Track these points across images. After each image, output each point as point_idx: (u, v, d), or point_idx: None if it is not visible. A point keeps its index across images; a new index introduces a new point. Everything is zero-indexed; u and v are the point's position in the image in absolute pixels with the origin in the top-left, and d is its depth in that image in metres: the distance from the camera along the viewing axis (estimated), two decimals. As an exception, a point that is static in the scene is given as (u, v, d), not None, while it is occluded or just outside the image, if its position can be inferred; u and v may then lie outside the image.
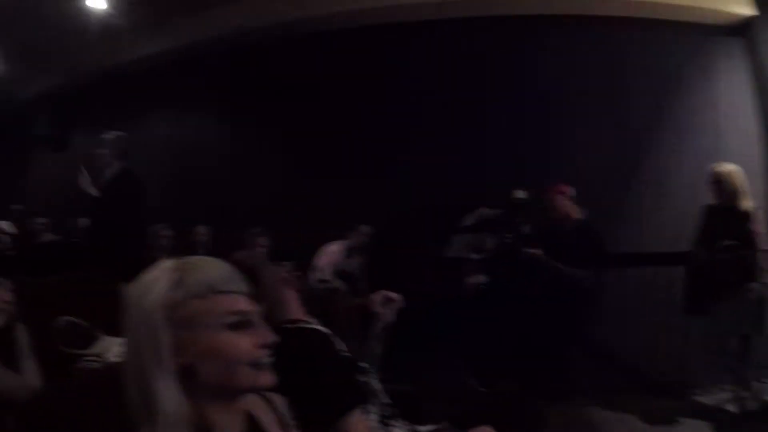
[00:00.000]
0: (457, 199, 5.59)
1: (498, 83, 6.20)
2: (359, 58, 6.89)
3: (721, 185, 4.31)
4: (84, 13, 7.79)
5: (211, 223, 6.44)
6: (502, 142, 6.02)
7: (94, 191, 4.57)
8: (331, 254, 5.88)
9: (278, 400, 1.33)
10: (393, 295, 2.42)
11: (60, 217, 7.27)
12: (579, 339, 4.80)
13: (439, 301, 4.85)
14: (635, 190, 5.85)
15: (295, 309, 1.99)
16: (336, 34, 7.05)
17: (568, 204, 4.62)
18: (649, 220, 5.77)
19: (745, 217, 4.20)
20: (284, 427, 1.33)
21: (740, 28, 5.98)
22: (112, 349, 2.20)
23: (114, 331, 2.28)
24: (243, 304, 1.14)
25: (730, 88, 6.11)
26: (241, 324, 1.12)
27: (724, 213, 4.29)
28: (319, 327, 1.92)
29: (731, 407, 4.33)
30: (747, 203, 4.24)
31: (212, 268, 1.15)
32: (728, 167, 4.35)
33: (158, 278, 1.11)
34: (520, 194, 4.44)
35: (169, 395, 1.05)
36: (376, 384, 2.09)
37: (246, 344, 1.11)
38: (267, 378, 1.14)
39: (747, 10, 5.83)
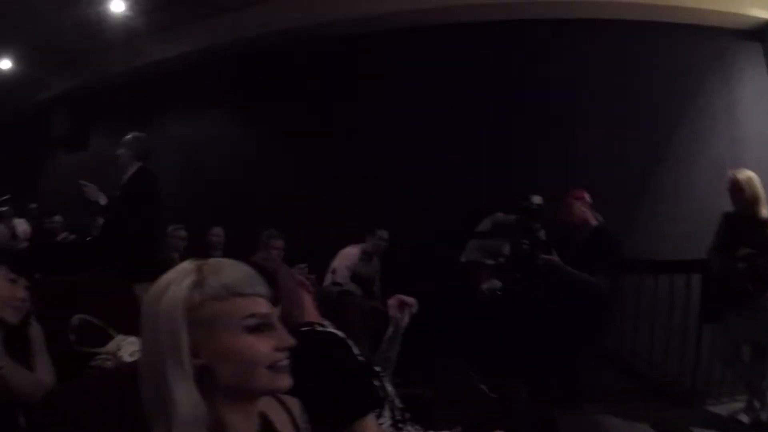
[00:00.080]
0: (472, 204, 5.58)
1: (515, 87, 6.18)
2: (376, 60, 6.89)
3: (740, 192, 4.25)
4: (103, 16, 7.86)
5: (226, 224, 6.46)
6: (519, 147, 6.00)
7: (103, 199, 4.59)
8: (347, 257, 5.87)
9: (293, 402, 1.33)
10: (409, 299, 2.41)
11: (76, 217, 7.31)
12: (592, 345, 4.76)
13: (453, 306, 4.83)
14: (653, 196, 5.81)
15: (310, 312, 1.99)
16: (352, 38, 7.06)
17: (584, 210, 4.58)
18: (666, 226, 5.73)
19: (764, 225, 4.15)
20: (298, 430, 1.32)
21: (759, 33, 5.92)
22: (126, 347, 2.20)
23: (127, 329, 2.28)
24: (262, 306, 1.14)
25: (749, 93, 6.06)
26: (260, 326, 1.12)
27: (743, 221, 4.24)
28: (334, 330, 1.91)
29: (744, 417, 4.27)
30: (766, 211, 4.19)
31: (233, 270, 1.15)
32: (747, 174, 4.29)
33: (178, 279, 1.11)
34: (537, 199, 4.40)
35: (187, 396, 1.04)
36: (389, 388, 2.08)
37: (265, 347, 1.11)
38: (284, 381, 1.14)
39: (766, 14, 5.76)
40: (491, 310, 4.93)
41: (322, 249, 5.84)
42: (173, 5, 7.74)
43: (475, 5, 6.24)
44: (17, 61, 9.82)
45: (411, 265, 5.70)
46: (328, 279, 5.67)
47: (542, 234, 4.39)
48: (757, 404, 4.23)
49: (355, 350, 1.88)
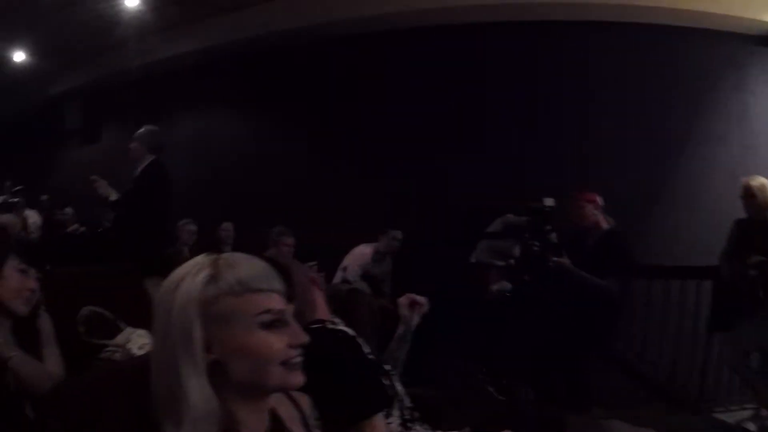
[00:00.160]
0: (483, 205, 5.56)
1: (529, 89, 6.17)
2: (389, 59, 6.89)
3: (752, 199, 4.23)
4: (117, 11, 7.89)
5: (236, 220, 6.47)
6: (532, 149, 5.99)
7: (114, 195, 4.60)
8: (360, 256, 5.87)
9: (303, 399, 1.32)
10: (420, 298, 2.40)
11: (87, 209, 7.35)
12: (601, 349, 4.74)
13: (461, 307, 4.82)
14: (665, 201, 5.79)
15: (321, 309, 1.98)
16: (365, 36, 7.05)
17: (596, 213, 4.55)
18: (678, 232, 5.71)
19: (776, 231, 4.12)
20: (307, 427, 1.31)
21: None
22: (135, 340, 2.20)
23: (136, 322, 2.28)
24: (277, 302, 1.12)
25: (762, 98, 6.02)
26: (274, 323, 1.11)
27: (755, 227, 4.21)
28: (345, 328, 1.90)
29: (751, 426, 4.26)
30: (779, 217, 4.16)
31: (248, 265, 1.13)
32: (760, 180, 4.26)
33: (193, 273, 1.10)
34: (549, 201, 4.37)
35: (199, 391, 1.04)
36: (399, 387, 2.07)
37: (279, 343, 1.10)
38: (297, 378, 1.13)
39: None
40: (500, 312, 4.91)
41: (331, 247, 5.84)
42: (186, 2, 7.76)
43: (488, 6, 6.22)
44: (31, 54, 9.89)
45: (420, 265, 5.69)
46: (338, 276, 5.66)
47: (553, 236, 4.36)
48: (764, 412, 4.21)
49: (366, 348, 1.87)
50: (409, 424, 1.97)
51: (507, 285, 4.96)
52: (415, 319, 2.40)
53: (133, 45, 8.75)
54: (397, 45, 6.87)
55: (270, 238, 5.55)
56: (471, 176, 6.17)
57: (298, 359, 1.13)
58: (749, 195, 4.25)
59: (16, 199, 7.78)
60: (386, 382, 1.97)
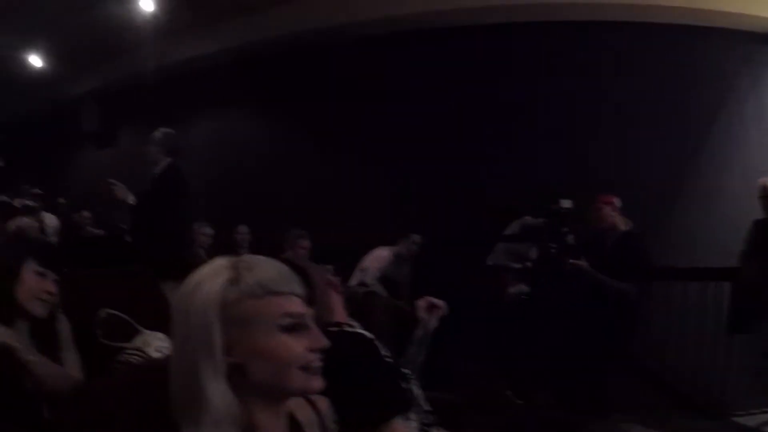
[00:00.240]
0: (500, 207, 5.54)
1: (545, 90, 6.14)
2: (403, 61, 6.89)
3: (772, 200, 4.20)
4: (133, 15, 7.94)
5: (251, 223, 6.48)
6: (548, 150, 5.96)
7: (131, 199, 4.61)
8: (379, 259, 5.85)
9: (321, 402, 1.31)
10: (438, 301, 2.38)
11: (104, 212, 7.39)
12: (619, 353, 4.70)
13: (479, 310, 4.80)
14: (682, 202, 5.74)
15: (338, 312, 1.98)
16: (381, 37, 7.06)
17: (614, 215, 4.52)
18: (697, 233, 5.66)
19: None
20: (325, 431, 1.30)
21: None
22: (152, 343, 2.20)
23: (153, 326, 2.29)
24: (298, 306, 1.12)
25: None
26: (295, 326, 1.10)
27: (774, 228, 4.18)
28: (363, 331, 1.90)
29: (772, 430, 4.21)
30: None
31: (268, 268, 1.12)
32: (779, 181, 4.23)
33: (213, 275, 1.09)
34: (566, 203, 4.34)
35: (220, 394, 1.03)
36: (417, 391, 2.06)
37: (299, 347, 1.09)
38: (317, 382, 1.12)
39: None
40: (517, 315, 4.89)
41: (347, 251, 5.83)
42: (202, 4, 7.80)
43: (506, 6, 6.21)
44: (48, 58, 9.98)
45: (438, 268, 5.68)
46: (357, 276, 5.65)
47: (571, 238, 4.34)
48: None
49: (384, 352, 1.86)
50: (427, 428, 1.96)
51: (524, 288, 4.95)
52: (433, 323, 2.38)
53: (149, 48, 8.80)
54: (415, 45, 6.86)
55: (286, 240, 5.54)
56: (487, 178, 6.14)
57: (318, 363, 1.12)
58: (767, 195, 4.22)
59: (33, 203, 7.84)
60: (404, 385, 1.96)
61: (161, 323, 2.16)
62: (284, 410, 1.17)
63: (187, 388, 1.04)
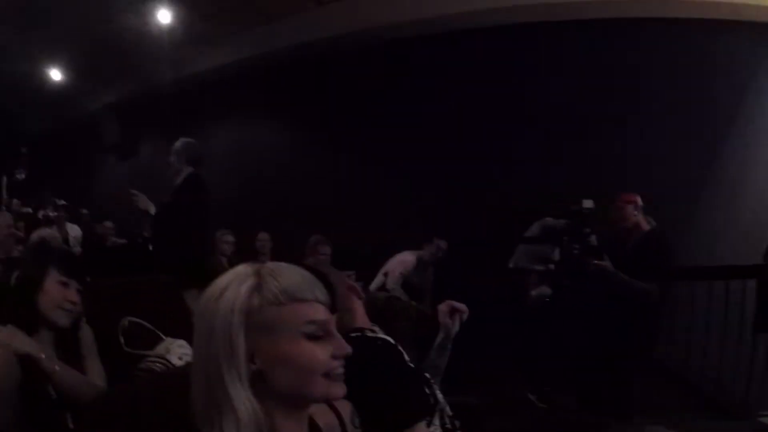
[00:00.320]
0: (521, 208, 5.51)
1: (566, 89, 6.11)
2: (420, 66, 6.89)
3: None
4: (150, 27, 8.02)
5: (272, 229, 6.50)
6: (569, 150, 5.92)
7: (153, 209, 4.64)
8: (403, 264, 5.83)
9: (343, 405, 1.31)
10: (460, 305, 2.36)
11: (127, 222, 7.46)
12: (643, 354, 4.64)
13: (501, 313, 4.77)
14: (706, 200, 5.67)
15: (360, 317, 1.97)
16: (395, 42, 7.07)
17: (636, 214, 4.46)
18: (721, 230, 5.58)
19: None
20: (345, 433, 1.30)
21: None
22: (175, 350, 2.21)
23: (176, 333, 2.29)
24: (322, 313, 1.11)
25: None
26: (318, 334, 1.09)
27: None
28: (385, 336, 1.89)
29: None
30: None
31: (292, 275, 1.12)
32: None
33: (236, 282, 1.09)
34: (588, 203, 4.29)
35: (244, 401, 1.02)
36: (439, 395, 2.05)
37: (322, 354, 1.08)
38: (339, 389, 1.11)
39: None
40: (540, 318, 4.85)
41: (367, 256, 5.82)
42: (218, 16, 7.86)
43: (530, 6, 6.18)
44: (68, 72, 10.12)
45: (460, 271, 5.65)
46: (379, 280, 5.64)
47: (593, 239, 4.28)
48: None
49: (406, 357, 1.85)
50: (449, 433, 1.95)
51: (546, 290, 4.91)
52: (455, 327, 2.36)
53: (167, 60, 8.89)
54: (435, 46, 6.85)
55: (307, 247, 5.55)
56: (508, 179, 6.12)
57: (341, 370, 1.11)
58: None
59: (54, 213, 7.94)
60: (427, 390, 1.94)
61: (183, 331, 2.17)
62: (306, 416, 1.17)
63: (211, 395, 1.04)
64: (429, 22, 6.72)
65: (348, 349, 1.12)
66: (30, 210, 8.18)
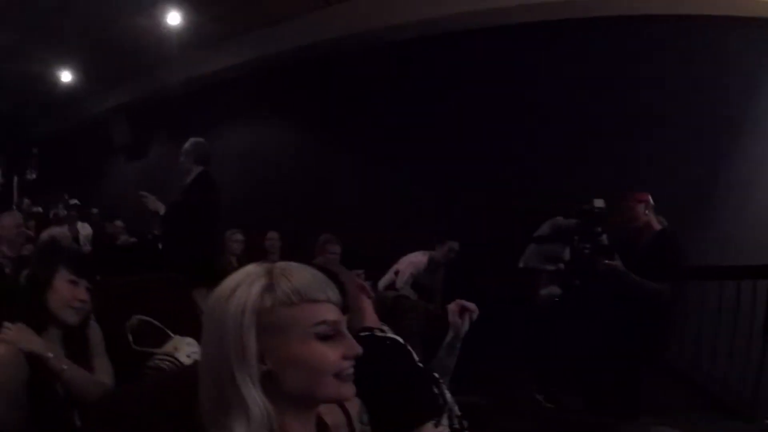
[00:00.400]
0: (531, 207, 5.49)
1: (576, 88, 6.08)
2: (426, 67, 6.88)
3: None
4: (160, 29, 8.05)
5: (281, 228, 6.50)
6: (580, 149, 5.90)
7: (162, 210, 4.65)
8: (414, 264, 5.83)
9: (352, 406, 1.30)
10: (470, 304, 2.34)
11: (136, 221, 7.50)
12: (653, 355, 4.61)
13: (510, 313, 4.75)
14: (717, 199, 5.63)
15: (370, 316, 1.96)
16: (403, 43, 7.07)
17: (648, 213, 4.42)
18: (732, 231, 5.53)
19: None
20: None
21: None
22: (183, 348, 2.21)
23: (184, 331, 2.30)
24: (333, 313, 1.10)
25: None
26: (330, 334, 1.08)
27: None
28: (395, 336, 1.88)
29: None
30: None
31: (304, 275, 1.11)
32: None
33: (248, 282, 1.07)
34: (599, 203, 4.25)
35: (256, 401, 1.01)
36: (448, 395, 2.03)
37: (333, 355, 1.07)
38: (349, 390, 1.10)
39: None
40: (549, 318, 4.83)
41: (377, 256, 5.81)
42: (228, 17, 7.88)
43: (538, 5, 6.16)
44: (78, 73, 10.17)
45: (470, 271, 5.64)
46: (389, 278, 5.63)
47: (604, 238, 4.25)
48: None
49: (415, 356, 1.84)
50: (458, 433, 1.93)
51: (557, 290, 4.88)
52: (465, 326, 2.34)
53: (177, 61, 8.93)
54: (440, 49, 6.85)
55: (316, 246, 5.55)
56: (519, 178, 6.10)
57: (351, 371, 1.10)
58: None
59: (68, 212, 8.01)
60: (436, 390, 1.93)
61: (192, 329, 2.17)
62: (315, 416, 1.16)
63: (221, 394, 1.03)
64: (439, 21, 6.71)
65: (359, 349, 1.11)
66: (40, 209, 8.24)
